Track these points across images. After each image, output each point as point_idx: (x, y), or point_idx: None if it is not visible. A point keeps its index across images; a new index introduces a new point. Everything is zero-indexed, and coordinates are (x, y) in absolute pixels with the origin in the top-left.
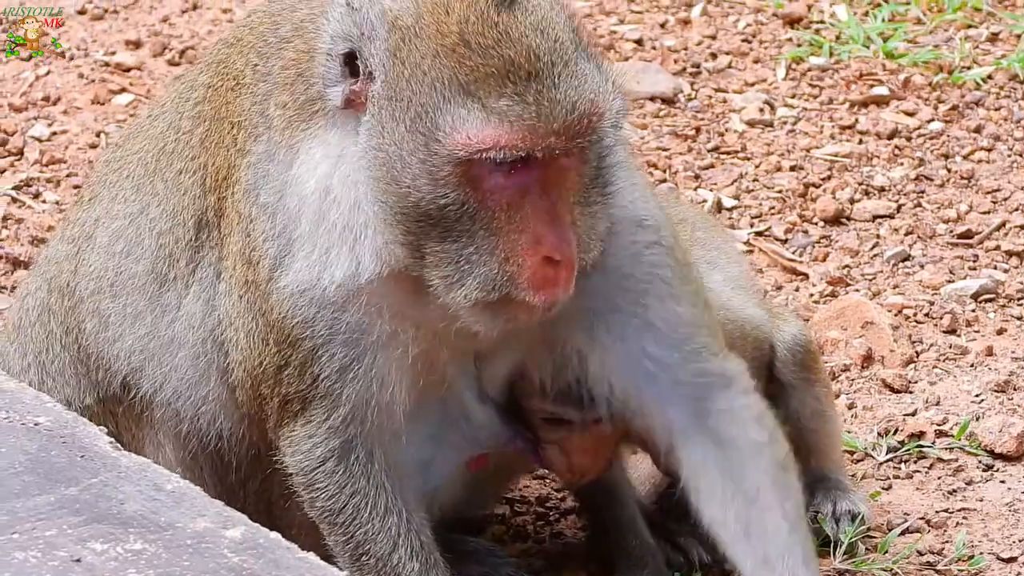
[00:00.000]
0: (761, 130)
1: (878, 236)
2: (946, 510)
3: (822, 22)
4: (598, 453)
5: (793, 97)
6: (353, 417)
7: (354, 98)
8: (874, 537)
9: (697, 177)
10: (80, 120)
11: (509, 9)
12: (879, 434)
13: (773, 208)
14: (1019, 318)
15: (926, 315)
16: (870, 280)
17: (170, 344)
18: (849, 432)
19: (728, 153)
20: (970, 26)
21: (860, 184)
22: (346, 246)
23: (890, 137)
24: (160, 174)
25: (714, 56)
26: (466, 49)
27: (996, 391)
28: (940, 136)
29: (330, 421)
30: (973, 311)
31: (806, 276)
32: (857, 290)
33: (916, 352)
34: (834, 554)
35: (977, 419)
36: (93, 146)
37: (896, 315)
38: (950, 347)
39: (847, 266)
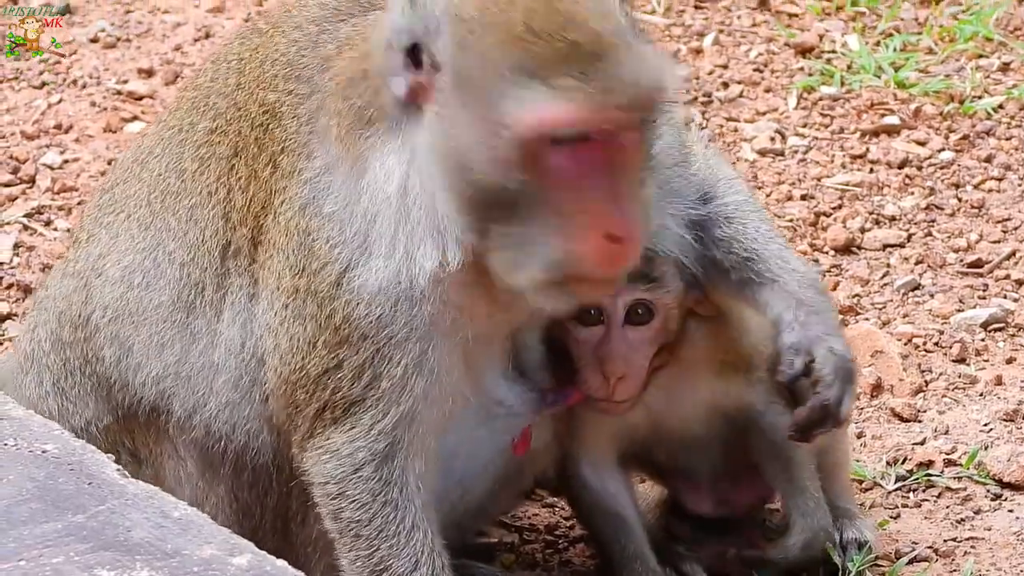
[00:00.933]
0: (772, 159)
1: (888, 265)
2: (954, 539)
3: (834, 52)
4: (634, 359)
5: (804, 126)
6: (406, 417)
7: (418, 89)
8: (882, 566)
9: None
10: (92, 148)
11: None
12: (888, 463)
13: (784, 237)
14: None
15: (936, 344)
16: (880, 309)
17: (205, 369)
18: (858, 461)
19: None
20: (981, 56)
21: (871, 213)
22: (430, 239)
23: (901, 166)
24: (170, 211)
25: (726, 85)
26: (532, 36)
27: (1005, 420)
28: (951, 165)
29: (382, 423)
30: (983, 340)
31: None
32: (867, 319)
33: (925, 381)
34: None
35: (986, 448)
36: (104, 174)
37: (906, 344)
38: (959, 376)
39: (857, 295)
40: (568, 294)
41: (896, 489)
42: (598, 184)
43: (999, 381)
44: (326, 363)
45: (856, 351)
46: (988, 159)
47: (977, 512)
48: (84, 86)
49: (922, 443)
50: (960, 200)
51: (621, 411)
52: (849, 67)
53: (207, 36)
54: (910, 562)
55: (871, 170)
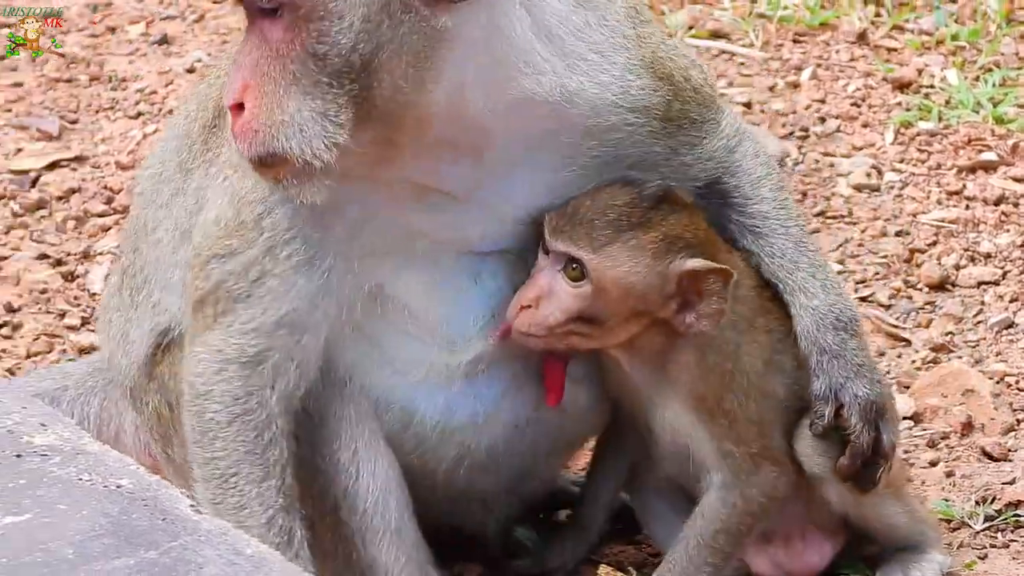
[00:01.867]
0: (868, 195)
1: (982, 303)
2: None
3: (932, 86)
4: (547, 302)
5: (901, 162)
6: (287, 320)
7: None
8: None
9: None
10: None
11: None
12: (976, 502)
13: (878, 273)
14: None
15: None
16: (973, 347)
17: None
18: (946, 501)
19: (834, 217)
20: None
21: (966, 250)
22: None
23: (997, 203)
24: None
25: (823, 120)
26: None
27: None
28: None
29: (260, 321)
30: None
31: (908, 342)
32: (960, 357)
33: (1017, 420)
34: None
35: None
36: None
37: (998, 383)
38: None
39: (950, 332)
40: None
41: (984, 529)
42: (239, 50)
43: None
44: (219, 249)
45: (947, 390)
46: None
47: None
48: None
49: (1012, 483)
50: None
51: (526, 344)
52: (947, 102)
53: None
54: None
55: (967, 207)
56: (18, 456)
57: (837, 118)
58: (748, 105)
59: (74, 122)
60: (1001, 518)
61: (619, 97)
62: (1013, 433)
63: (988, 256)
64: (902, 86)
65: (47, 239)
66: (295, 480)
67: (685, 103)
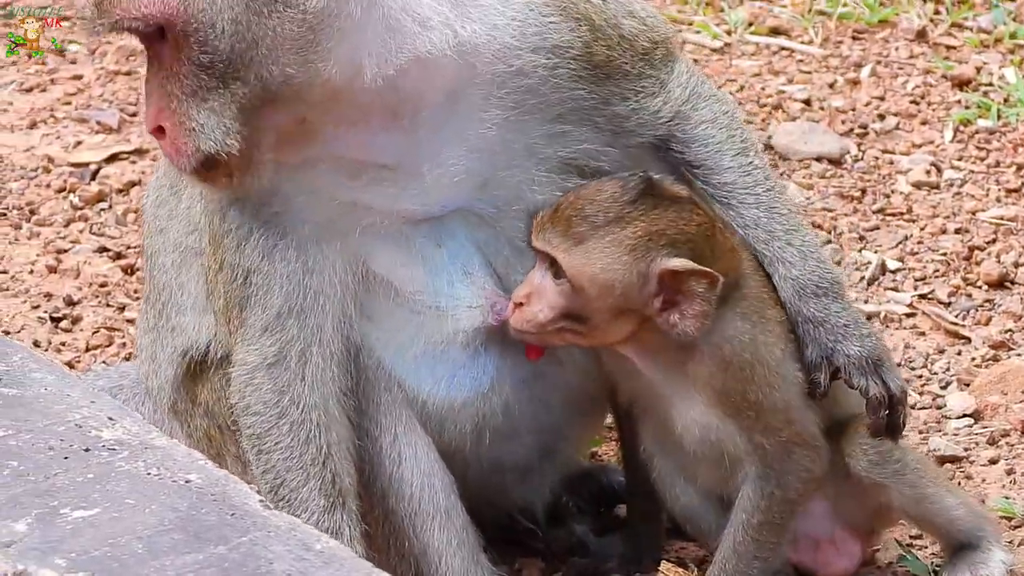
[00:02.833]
0: (927, 192)
1: None
2: None
3: (990, 84)
4: (535, 298)
5: (960, 159)
6: (288, 308)
7: None
8: None
9: (862, 239)
10: None
11: None
12: None
13: (937, 271)
14: None
15: None
16: None
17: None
18: (1007, 499)
19: (893, 215)
20: None
21: None
22: None
23: None
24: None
25: (882, 117)
26: None
27: None
28: None
29: (264, 318)
30: None
31: (968, 340)
32: (1019, 355)
33: None
34: None
35: None
36: None
37: None
38: None
39: (1010, 330)
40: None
41: None
42: (145, 80)
43: None
44: (214, 263)
45: (1007, 387)
46: None
47: None
48: None
49: None
50: None
51: (524, 340)
52: (1006, 100)
53: None
54: None
55: None
56: (87, 450)
57: (896, 115)
58: (808, 102)
59: (133, 115)
60: None
61: (517, 40)
62: None
63: None
64: (961, 84)
65: (107, 232)
66: (346, 472)
67: (611, 49)
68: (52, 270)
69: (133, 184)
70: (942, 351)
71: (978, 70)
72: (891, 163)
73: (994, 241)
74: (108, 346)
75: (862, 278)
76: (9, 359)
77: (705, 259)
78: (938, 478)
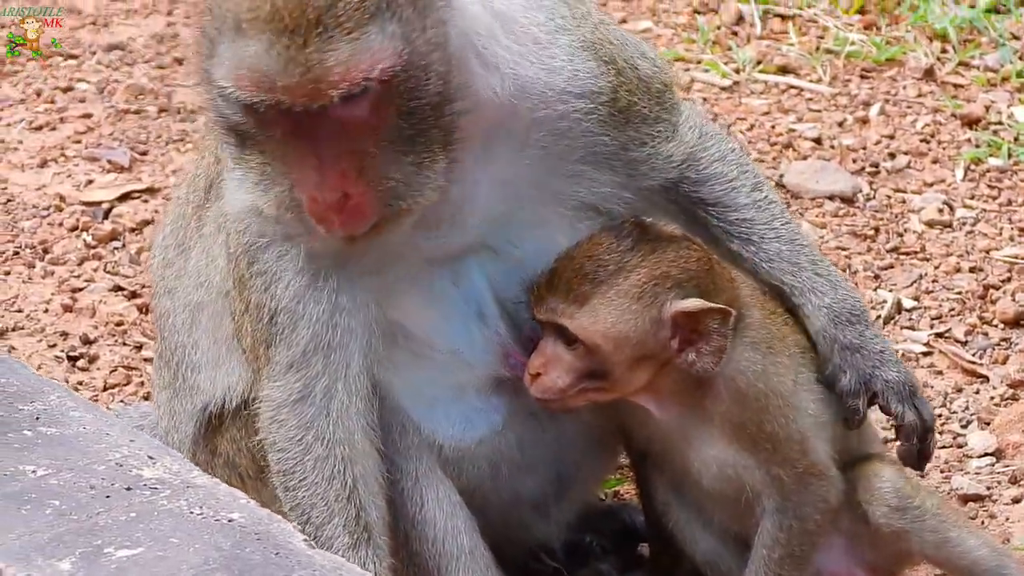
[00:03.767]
0: (940, 231)
1: None
2: None
3: (1000, 123)
4: (549, 366)
5: (972, 198)
6: (315, 345)
7: None
8: None
9: (877, 277)
10: None
11: None
12: None
13: (953, 310)
14: None
15: None
16: None
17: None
18: None
19: (907, 254)
20: None
21: None
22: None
23: None
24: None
25: (892, 156)
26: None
27: None
28: None
29: (290, 355)
30: None
31: (986, 379)
32: None
33: None
34: None
35: None
36: None
37: None
38: None
39: None
40: (315, 233)
41: None
42: (301, 147)
43: None
44: (240, 304)
45: None
46: None
47: None
48: None
49: None
50: None
51: (548, 407)
52: (1016, 139)
53: None
54: None
55: None
56: (128, 489)
57: (907, 154)
58: (818, 140)
59: (144, 153)
60: None
61: (566, 83)
62: None
63: None
64: (970, 122)
65: (121, 271)
66: (373, 506)
67: (632, 93)
68: (68, 309)
69: (146, 223)
70: (960, 390)
71: (987, 108)
72: (903, 202)
73: (1009, 280)
74: (126, 385)
75: (878, 317)
76: (46, 398)
77: (710, 294)
78: (959, 520)
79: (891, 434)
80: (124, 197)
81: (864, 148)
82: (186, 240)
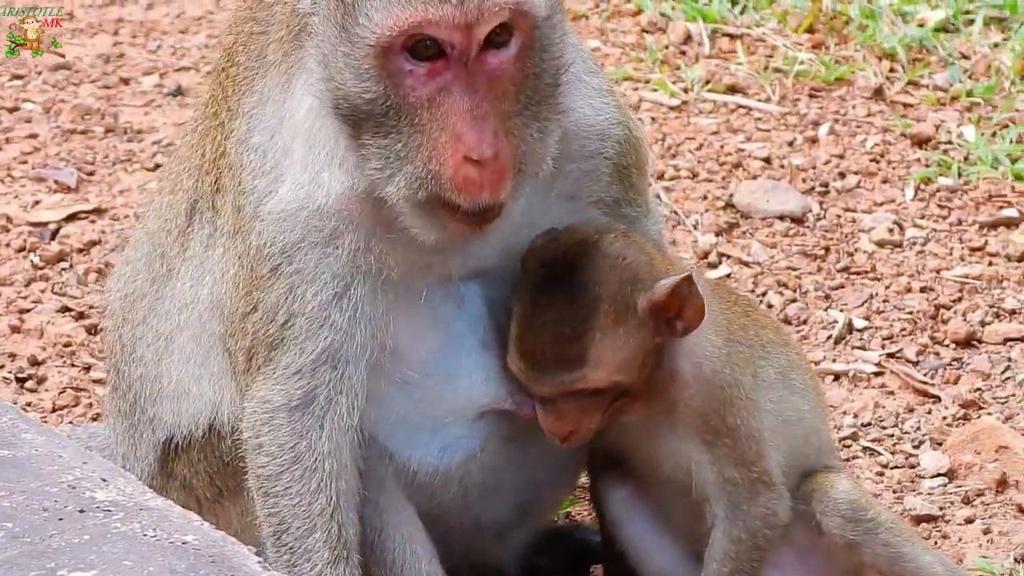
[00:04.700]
0: (890, 251)
1: (1010, 360)
2: None
3: (950, 143)
4: (578, 421)
5: (922, 218)
6: (327, 354)
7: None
8: None
9: (827, 297)
10: None
11: None
12: (1016, 560)
13: (904, 330)
14: None
15: None
16: (1003, 403)
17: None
18: (985, 557)
19: (858, 273)
20: None
21: (991, 307)
22: (337, 160)
23: (1020, 260)
24: (164, 191)
25: (842, 175)
26: None
27: None
28: None
29: (300, 361)
30: None
31: (938, 399)
32: (990, 413)
33: None
34: None
35: None
36: None
37: None
38: None
39: (979, 389)
40: (439, 220)
41: None
42: (456, 102)
43: None
44: (244, 306)
45: (980, 446)
46: None
47: None
48: None
49: None
50: None
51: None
52: (966, 158)
53: None
54: None
55: (990, 263)
56: (81, 511)
57: (857, 174)
58: (768, 160)
59: (91, 174)
60: None
61: (601, 123)
62: None
63: (1013, 312)
64: (920, 142)
65: (69, 292)
66: (351, 523)
67: (628, 155)
68: (15, 330)
69: (94, 243)
70: (912, 410)
71: (936, 128)
72: (853, 221)
73: (960, 299)
74: (75, 406)
75: (829, 337)
76: None
77: (659, 267)
78: (913, 536)
79: (848, 451)
80: (71, 218)
81: (814, 168)
82: (164, 269)
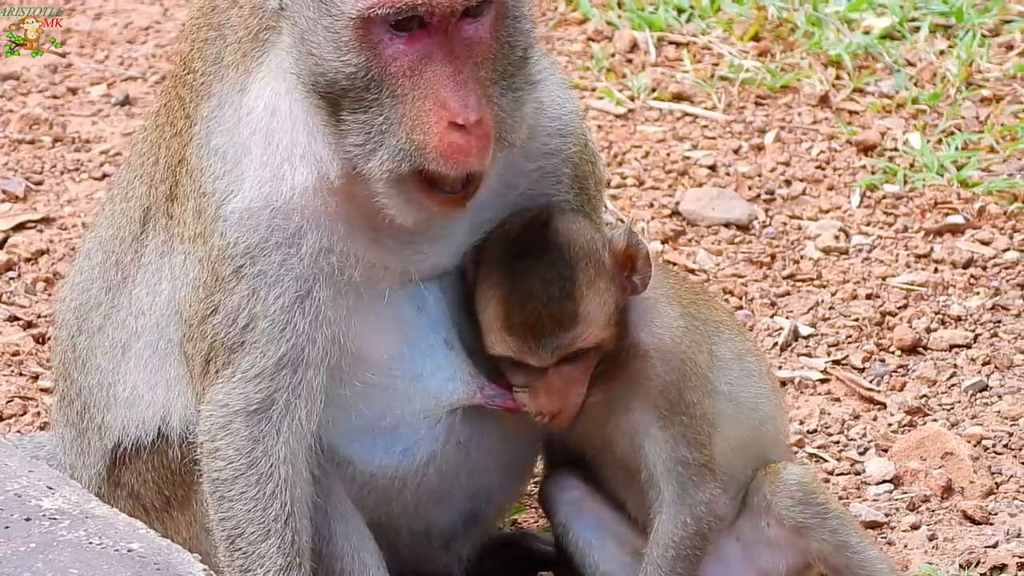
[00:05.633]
0: (836, 257)
1: (955, 366)
2: None
3: (896, 150)
4: (567, 394)
5: (868, 225)
6: (289, 358)
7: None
8: None
9: (773, 304)
10: None
11: None
12: (961, 566)
13: (850, 337)
14: None
15: (1005, 446)
16: (948, 410)
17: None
18: (930, 564)
19: (804, 280)
20: None
21: (936, 313)
22: (299, 154)
23: (966, 266)
24: (116, 199)
25: (788, 183)
26: None
27: None
28: (1016, 265)
29: (261, 364)
30: None
31: (884, 405)
32: (935, 420)
33: (996, 483)
34: None
35: None
36: None
37: (975, 445)
38: None
39: (925, 396)
40: (419, 200)
41: None
42: (437, 70)
43: None
44: (205, 309)
45: (926, 453)
46: None
47: None
48: None
49: (994, 546)
50: None
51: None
52: (912, 165)
53: None
54: None
55: (936, 270)
56: (27, 520)
57: (803, 181)
58: (713, 168)
59: (39, 183)
60: None
61: (563, 120)
62: (993, 496)
63: (959, 319)
64: (866, 149)
65: (16, 301)
66: (305, 530)
67: (586, 162)
68: None
69: (42, 252)
70: (858, 417)
71: (882, 135)
72: (799, 228)
73: (905, 306)
74: (22, 415)
75: (775, 344)
76: None
77: (604, 231)
78: (860, 531)
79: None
80: (19, 227)
81: (760, 175)
82: (119, 277)
